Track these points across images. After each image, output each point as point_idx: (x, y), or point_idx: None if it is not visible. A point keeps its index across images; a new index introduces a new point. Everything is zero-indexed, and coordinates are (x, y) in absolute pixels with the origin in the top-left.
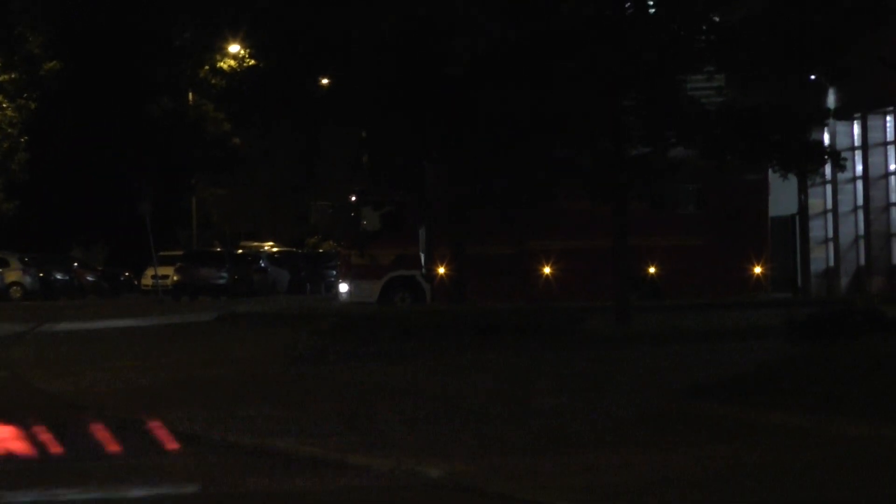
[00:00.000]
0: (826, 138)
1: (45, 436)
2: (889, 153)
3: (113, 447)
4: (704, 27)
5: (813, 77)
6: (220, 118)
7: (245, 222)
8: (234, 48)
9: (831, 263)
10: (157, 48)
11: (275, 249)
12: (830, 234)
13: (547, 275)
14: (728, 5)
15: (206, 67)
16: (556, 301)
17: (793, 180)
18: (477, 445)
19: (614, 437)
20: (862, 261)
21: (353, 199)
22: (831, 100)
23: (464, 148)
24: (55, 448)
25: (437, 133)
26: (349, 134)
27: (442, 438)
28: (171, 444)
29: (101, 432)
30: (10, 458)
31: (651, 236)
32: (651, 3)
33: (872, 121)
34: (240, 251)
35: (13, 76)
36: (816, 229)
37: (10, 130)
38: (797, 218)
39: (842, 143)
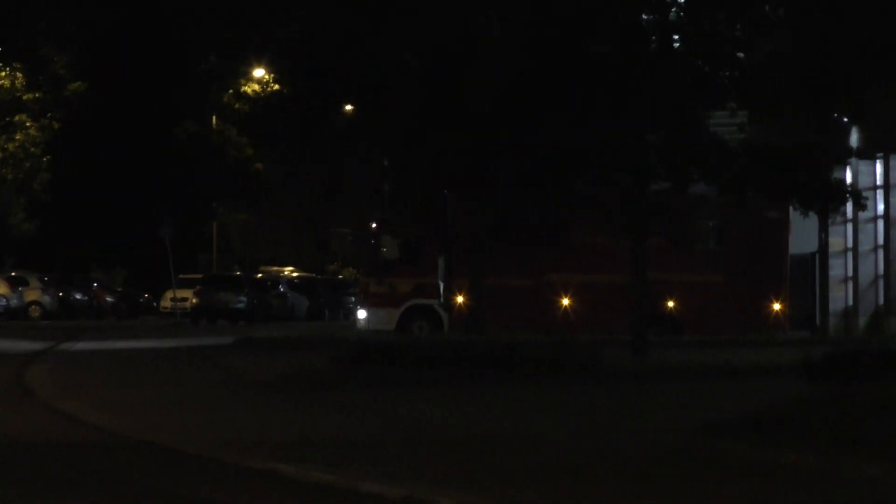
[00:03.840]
0: (848, 177)
1: None
2: None
3: None
4: (729, 64)
5: (836, 116)
6: (243, 143)
7: (265, 248)
8: (258, 72)
9: (850, 303)
10: (182, 72)
11: (294, 275)
12: (850, 273)
13: (565, 308)
14: (753, 43)
15: (231, 92)
16: (573, 334)
17: (813, 218)
18: (490, 477)
19: (627, 474)
20: (881, 301)
21: (374, 227)
22: (854, 139)
23: (485, 181)
24: None
25: (459, 165)
26: (371, 163)
27: (456, 469)
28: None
29: None
30: None
31: (670, 272)
32: (676, 39)
33: (895, 160)
34: (259, 276)
35: (37, 96)
36: (836, 268)
37: (33, 150)
38: (817, 256)
39: (863, 182)
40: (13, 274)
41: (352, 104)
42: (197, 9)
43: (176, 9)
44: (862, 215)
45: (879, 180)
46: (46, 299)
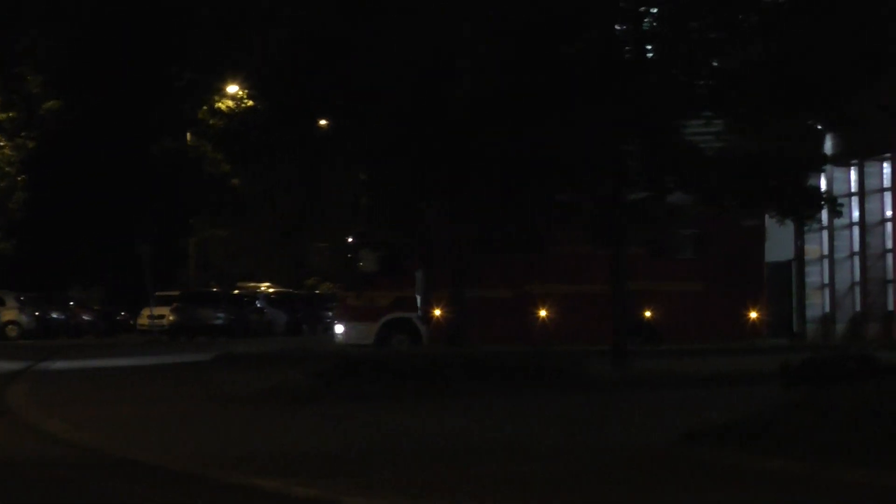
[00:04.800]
0: (823, 184)
1: None
2: (886, 200)
3: None
4: (704, 72)
5: (811, 123)
6: (219, 159)
7: (243, 263)
8: (232, 88)
9: (827, 309)
10: (157, 88)
11: (272, 290)
12: (827, 280)
13: (545, 318)
14: (728, 51)
15: (205, 108)
16: (553, 345)
17: (790, 226)
18: (473, 487)
19: (610, 481)
20: (858, 307)
21: (351, 240)
22: (829, 146)
23: (464, 192)
24: None
25: (437, 176)
26: (349, 176)
27: (438, 480)
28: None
29: None
30: None
31: (649, 281)
32: (651, 48)
33: (869, 167)
34: (237, 292)
35: (12, 115)
36: (813, 275)
37: (7, 169)
38: (794, 263)
39: (839, 189)
40: None
41: (329, 117)
42: (177, 19)
43: (156, 19)
44: (838, 222)
45: (854, 187)
46: (24, 318)
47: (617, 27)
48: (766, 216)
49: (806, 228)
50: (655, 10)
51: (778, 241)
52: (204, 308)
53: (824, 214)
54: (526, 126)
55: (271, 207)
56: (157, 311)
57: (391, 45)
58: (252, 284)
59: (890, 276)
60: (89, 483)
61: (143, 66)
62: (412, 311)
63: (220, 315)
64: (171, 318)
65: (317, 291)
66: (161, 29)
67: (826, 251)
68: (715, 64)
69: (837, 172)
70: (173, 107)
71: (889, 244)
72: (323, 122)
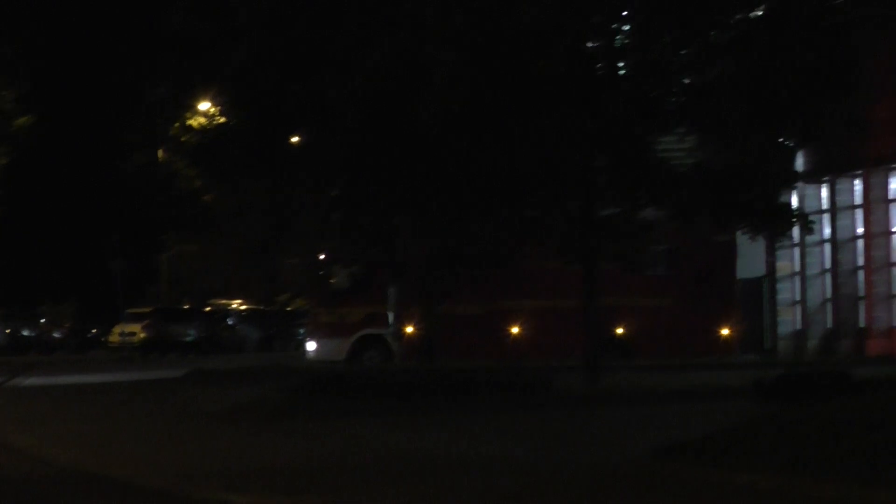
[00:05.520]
0: (795, 201)
1: None
2: (857, 216)
3: None
4: (675, 88)
5: (782, 140)
6: (192, 175)
7: (215, 279)
8: (203, 105)
9: (799, 326)
10: (130, 105)
11: (244, 307)
12: (798, 296)
13: (516, 334)
14: (699, 67)
15: (177, 125)
16: (525, 360)
17: (761, 242)
18: (445, 502)
19: (582, 496)
20: (830, 323)
21: (323, 257)
22: (800, 163)
23: (435, 208)
24: None
25: (405, 192)
26: (320, 192)
27: (410, 494)
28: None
29: None
30: None
31: (621, 296)
32: (622, 64)
33: (841, 184)
34: (208, 308)
35: None
36: (785, 291)
37: None
38: (766, 280)
39: (810, 205)
40: None
41: (299, 133)
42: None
43: (128, 36)
44: (809, 239)
45: (826, 204)
46: None
47: (589, 43)
48: (738, 232)
49: (778, 245)
50: (627, 27)
51: (750, 257)
52: (176, 325)
53: (796, 231)
54: (495, 141)
55: (243, 224)
56: (129, 327)
57: (360, 60)
58: (224, 301)
59: (862, 292)
60: (60, 499)
61: (115, 82)
62: (384, 328)
63: (192, 332)
64: (142, 334)
65: (289, 308)
66: (133, 45)
67: (798, 268)
68: (686, 80)
69: (809, 189)
70: (146, 123)
71: (860, 261)
72: (294, 137)
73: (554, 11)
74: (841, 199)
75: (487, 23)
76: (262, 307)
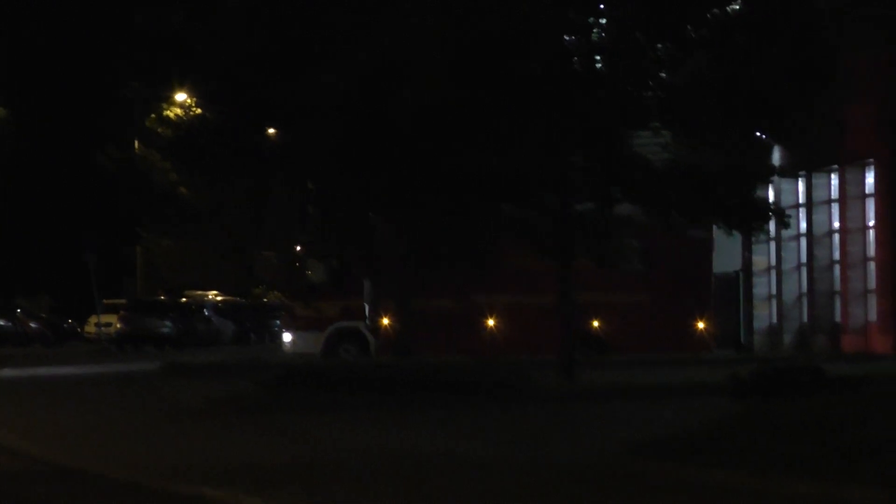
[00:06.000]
0: (771, 196)
1: None
2: (833, 211)
3: None
4: (651, 84)
5: (758, 135)
6: (167, 168)
7: (191, 272)
8: (180, 96)
9: (775, 321)
10: (104, 97)
11: (219, 299)
12: (774, 291)
13: (492, 329)
14: (676, 64)
15: (153, 116)
16: (501, 355)
17: (737, 237)
18: (419, 499)
19: (556, 493)
20: (805, 318)
21: (300, 250)
22: (777, 158)
23: (411, 203)
24: None
25: (384, 188)
26: (297, 186)
27: (384, 491)
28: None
29: None
30: None
31: (596, 292)
32: (598, 60)
33: (817, 179)
34: (184, 300)
35: None
36: (760, 286)
37: None
38: (741, 275)
39: (786, 200)
40: None
41: (276, 128)
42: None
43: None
44: (785, 233)
45: (802, 198)
46: None
47: (566, 38)
48: (714, 227)
49: (753, 240)
50: (604, 22)
51: (725, 252)
52: (151, 317)
53: (772, 226)
54: (471, 138)
55: (219, 217)
56: (105, 319)
57: (339, 56)
58: (199, 292)
59: (837, 287)
60: (32, 492)
61: (90, 74)
62: (360, 321)
63: (168, 324)
64: (117, 326)
65: (265, 300)
66: (108, 38)
67: (773, 263)
68: (663, 76)
69: (785, 184)
70: (121, 115)
71: (836, 256)
72: (271, 131)
73: (530, 7)
74: (817, 195)
75: (464, 22)
76: (237, 299)
